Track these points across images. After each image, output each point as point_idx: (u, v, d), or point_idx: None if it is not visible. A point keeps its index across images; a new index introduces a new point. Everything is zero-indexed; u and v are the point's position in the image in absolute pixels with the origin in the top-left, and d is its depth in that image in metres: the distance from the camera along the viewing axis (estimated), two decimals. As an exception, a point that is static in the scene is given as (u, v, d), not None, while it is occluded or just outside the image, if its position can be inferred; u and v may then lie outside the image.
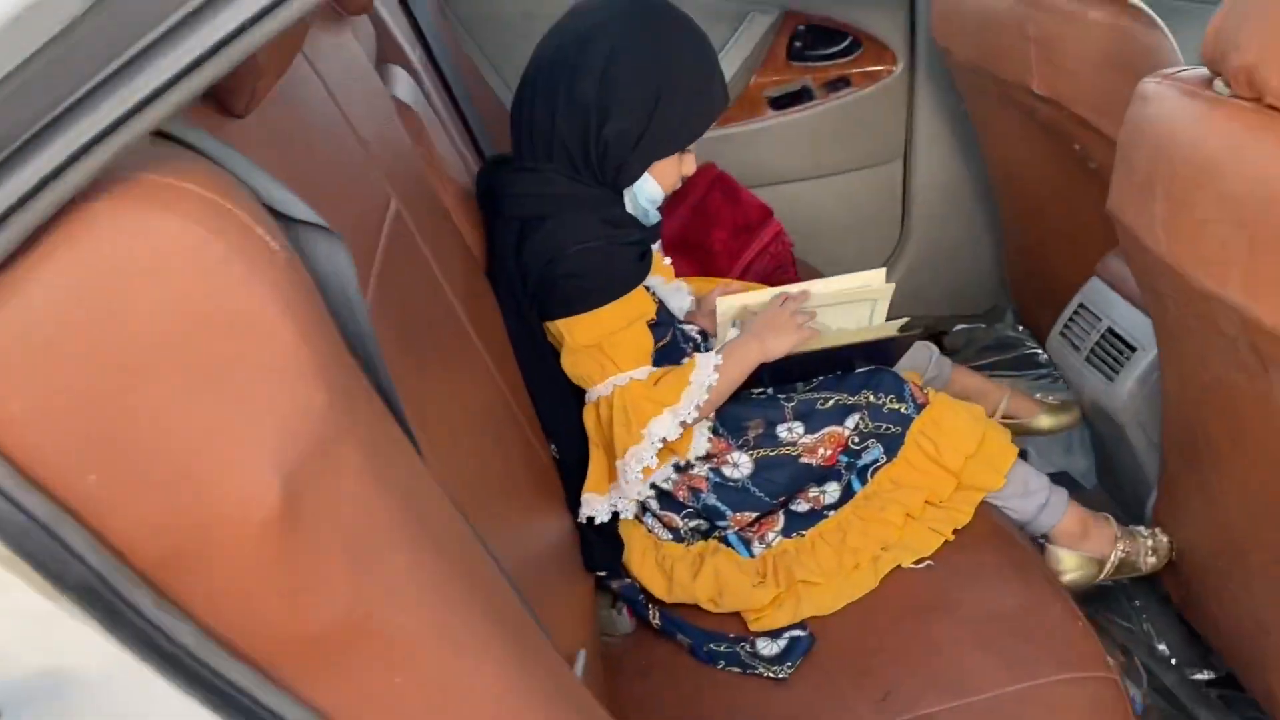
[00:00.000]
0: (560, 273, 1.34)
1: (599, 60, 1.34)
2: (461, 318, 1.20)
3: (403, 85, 1.40)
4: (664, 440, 1.35)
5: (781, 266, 1.92)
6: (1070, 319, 1.77)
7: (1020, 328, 2.50)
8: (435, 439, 0.88)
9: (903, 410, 1.46)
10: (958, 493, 1.45)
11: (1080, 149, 1.73)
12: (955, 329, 2.56)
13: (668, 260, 1.55)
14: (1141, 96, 1.26)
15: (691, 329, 1.58)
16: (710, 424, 1.45)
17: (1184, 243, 1.15)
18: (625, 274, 1.37)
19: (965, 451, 1.44)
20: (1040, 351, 2.37)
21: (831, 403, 1.46)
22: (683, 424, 1.35)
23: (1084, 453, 1.96)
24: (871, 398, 1.47)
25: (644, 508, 1.45)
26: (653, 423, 1.34)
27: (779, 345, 1.44)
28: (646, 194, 1.42)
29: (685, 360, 1.44)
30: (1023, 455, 1.53)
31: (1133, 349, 1.64)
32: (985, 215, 2.42)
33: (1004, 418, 1.85)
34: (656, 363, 1.45)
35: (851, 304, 1.59)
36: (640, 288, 1.39)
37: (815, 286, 1.55)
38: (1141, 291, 1.38)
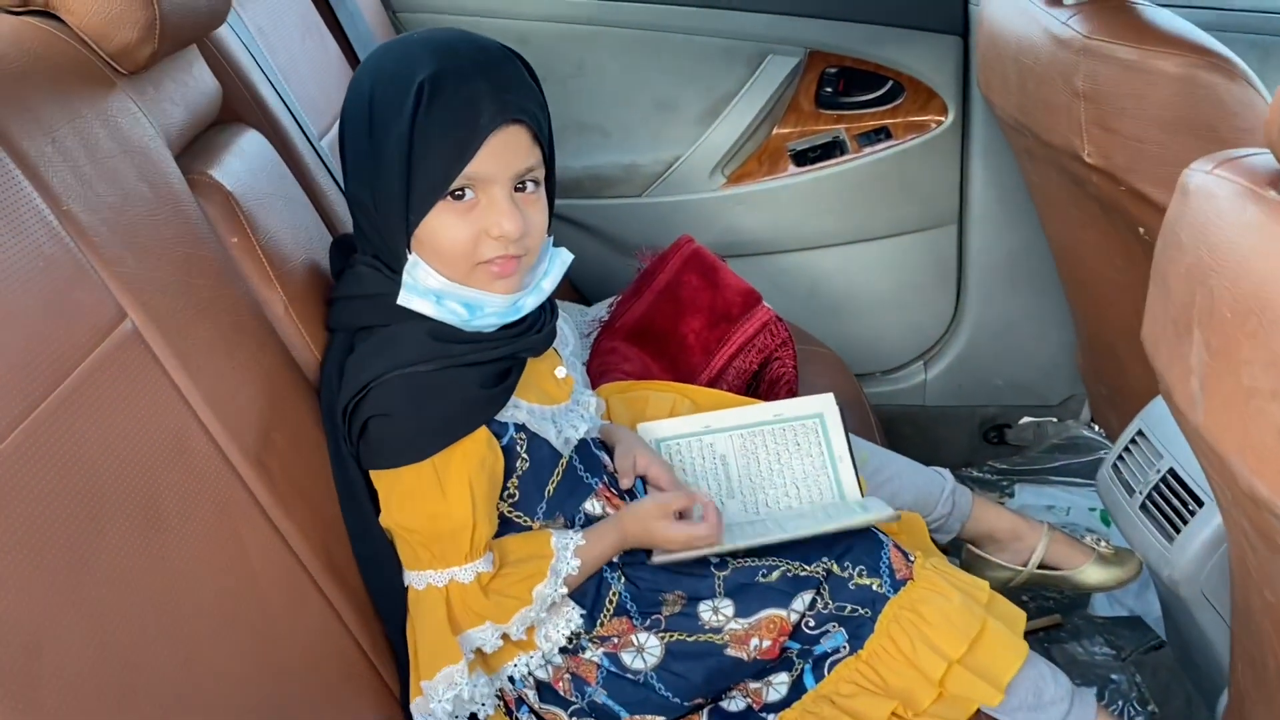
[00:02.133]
0: (366, 410, 1.03)
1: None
2: (232, 469, 0.92)
3: (238, 156, 1.12)
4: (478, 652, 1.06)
5: (772, 363, 1.58)
6: (1125, 450, 1.38)
7: (1096, 427, 2.09)
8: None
9: (875, 588, 1.11)
10: (941, 702, 1.09)
11: (1146, 234, 1.34)
12: (1021, 421, 2.17)
13: (561, 372, 1.20)
14: (1183, 191, 0.89)
15: (608, 460, 1.25)
16: (611, 593, 1.12)
17: (1225, 417, 0.78)
18: (444, 414, 1.04)
19: (952, 652, 1.08)
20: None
21: (777, 573, 1.12)
22: (506, 636, 1.04)
23: (1159, 596, 1.56)
24: (835, 568, 1.12)
25: (519, 700, 1.13)
26: (470, 632, 1.03)
27: (649, 544, 1.12)
28: (421, 284, 1.04)
29: (576, 515, 1.13)
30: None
31: (1200, 503, 1.24)
32: (1057, 289, 2.02)
33: (1042, 567, 1.46)
34: (549, 510, 1.14)
35: (789, 437, 1.27)
36: (475, 438, 1.05)
37: (730, 414, 1.28)
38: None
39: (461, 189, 1.02)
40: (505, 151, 1.02)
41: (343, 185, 1.08)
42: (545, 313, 1.17)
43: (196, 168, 1.05)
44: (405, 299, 1.05)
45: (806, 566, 1.13)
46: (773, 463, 1.28)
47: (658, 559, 1.12)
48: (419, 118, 0.99)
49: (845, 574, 1.12)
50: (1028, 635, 1.14)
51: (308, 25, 1.59)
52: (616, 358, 1.52)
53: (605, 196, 2.01)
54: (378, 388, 1.03)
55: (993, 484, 2.11)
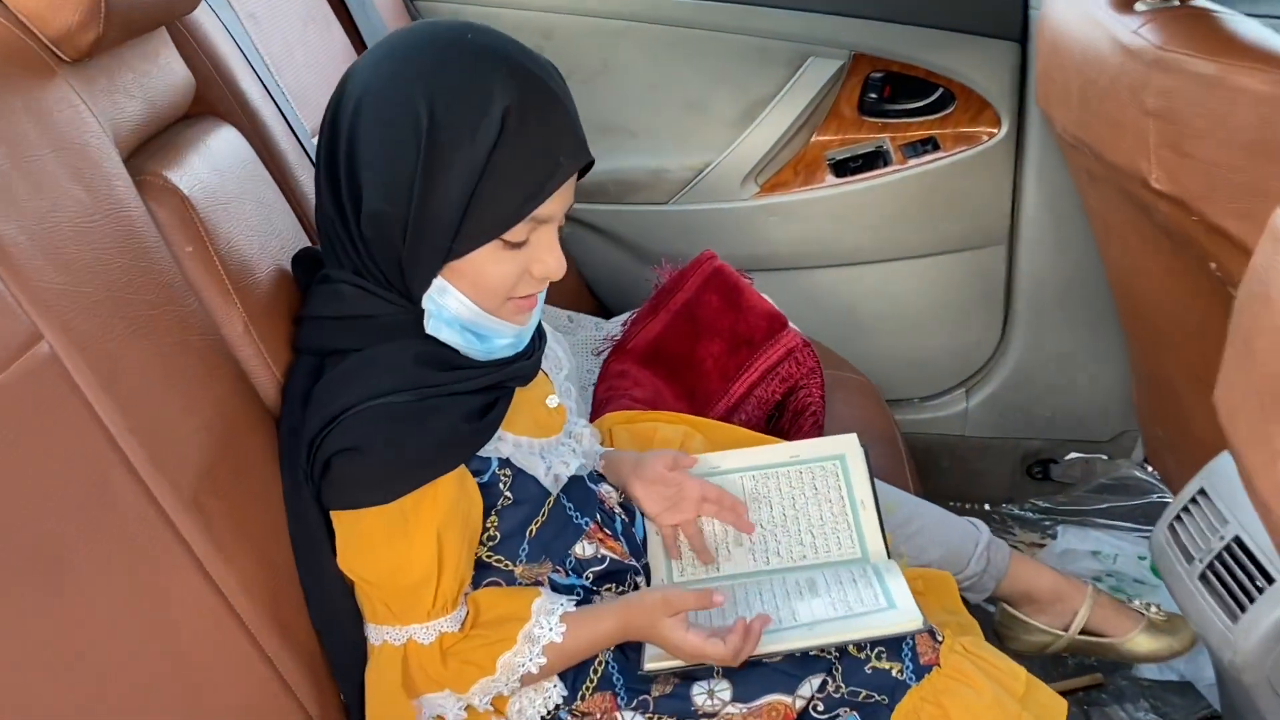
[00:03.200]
0: (333, 443, 0.92)
1: (346, 114, 0.93)
2: (161, 513, 0.81)
3: (204, 155, 1.01)
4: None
5: (797, 392, 1.45)
6: (1185, 510, 1.23)
7: (1150, 468, 1.94)
8: None
9: (895, 673, 0.98)
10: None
11: (1219, 271, 1.20)
12: (1068, 457, 2.03)
13: (554, 401, 1.09)
14: (1273, 236, 0.75)
15: (608, 491, 1.13)
16: (597, 661, 1.00)
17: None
18: (421, 450, 0.92)
19: (980, 753, 0.95)
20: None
21: (783, 653, 1.00)
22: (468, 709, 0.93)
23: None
24: (851, 647, 0.99)
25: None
26: (429, 697, 0.92)
27: (651, 642, 1.00)
28: (449, 312, 0.95)
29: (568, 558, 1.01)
30: None
31: (1270, 579, 1.10)
32: (1113, 317, 1.87)
33: (1084, 633, 1.32)
34: (533, 553, 1.02)
35: (806, 480, 1.16)
36: (448, 478, 0.94)
37: (742, 454, 1.16)
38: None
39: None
40: (567, 191, 0.94)
41: (330, 188, 0.94)
42: (534, 338, 1.05)
43: (150, 168, 0.94)
44: (434, 327, 0.95)
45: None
46: (787, 508, 1.15)
47: (650, 665, 0.99)
48: (500, 149, 0.88)
49: (862, 655, 0.99)
50: (1064, 694, 1.02)
51: (311, 11, 1.48)
52: (627, 382, 1.40)
53: (629, 202, 1.89)
54: (350, 418, 0.92)
55: (1034, 523, 1.97)
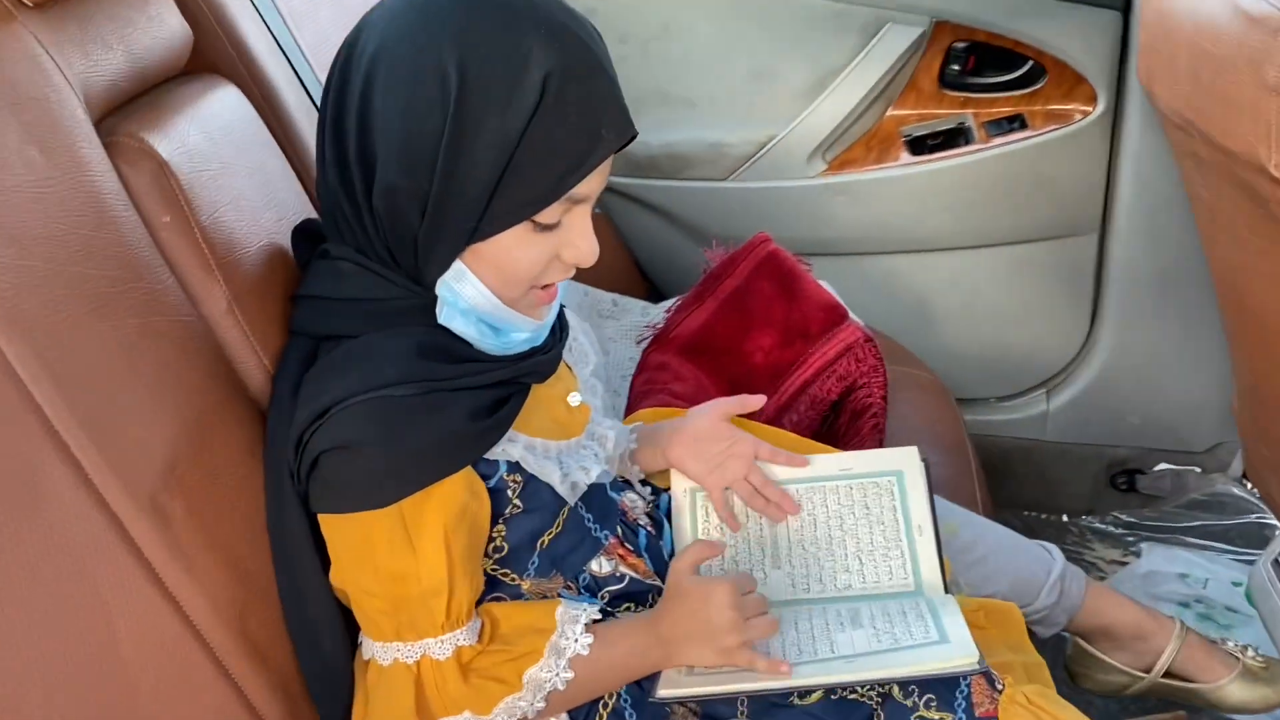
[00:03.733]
0: (323, 439, 0.82)
1: (358, 71, 0.82)
2: (110, 516, 0.73)
3: (193, 117, 0.92)
4: None
5: (856, 391, 1.32)
6: (1292, 546, 1.08)
7: (1249, 485, 1.77)
8: None
9: (946, 726, 0.86)
10: None
11: (1344, 273, 1.04)
12: (1157, 468, 1.86)
13: (576, 399, 0.98)
14: None
15: (633, 501, 1.03)
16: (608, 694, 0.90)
17: None
18: (421, 451, 0.82)
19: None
20: None
21: (817, 695, 0.88)
22: None
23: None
24: (896, 692, 0.88)
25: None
26: None
27: (697, 655, 0.88)
28: (465, 301, 0.85)
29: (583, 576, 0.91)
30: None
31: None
32: (1214, 317, 1.70)
33: (1169, 675, 1.18)
34: (544, 567, 0.92)
35: (857, 498, 1.03)
36: (455, 479, 0.84)
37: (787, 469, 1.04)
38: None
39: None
40: (605, 167, 0.84)
41: (336, 156, 0.84)
42: (555, 330, 0.95)
43: (126, 129, 0.85)
44: (448, 318, 0.85)
45: (857, 689, 0.88)
46: (834, 528, 1.03)
47: (663, 692, 0.88)
48: (536, 120, 0.78)
49: (908, 702, 0.87)
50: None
51: (344, -39, 1.38)
52: (666, 375, 1.28)
53: (685, 178, 1.76)
54: (343, 412, 0.82)
55: (1116, 539, 1.82)
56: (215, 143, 0.92)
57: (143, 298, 0.80)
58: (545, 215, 0.82)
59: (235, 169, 0.93)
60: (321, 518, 0.85)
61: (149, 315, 0.80)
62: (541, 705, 0.86)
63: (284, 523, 0.86)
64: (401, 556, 0.83)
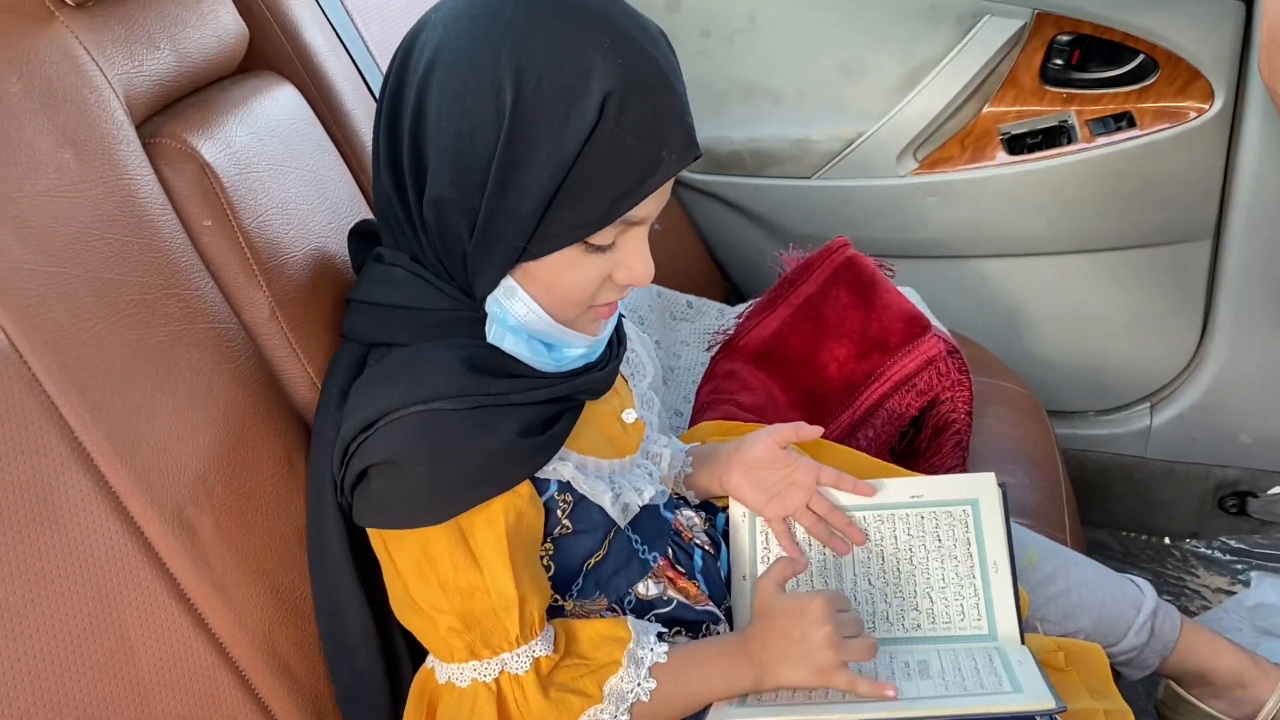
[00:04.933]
0: (371, 452, 0.79)
1: (414, 74, 0.78)
2: (134, 530, 0.71)
3: (244, 119, 0.90)
4: None
5: (938, 406, 1.25)
6: None
7: (1375, 513, 1.64)
8: None
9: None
10: None
11: None
12: (1271, 491, 1.74)
13: (631, 416, 0.94)
14: None
15: (689, 519, 0.98)
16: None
17: None
18: (470, 468, 0.79)
19: None
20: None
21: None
22: None
23: None
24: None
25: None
26: None
27: (792, 675, 0.83)
28: (515, 318, 0.82)
29: (631, 597, 0.88)
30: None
31: None
32: (1341, 334, 1.59)
33: (1270, 727, 1.08)
34: (587, 589, 0.88)
35: (928, 529, 0.97)
36: (517, 491, 0.81)
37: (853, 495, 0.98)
38: None
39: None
40: (666, 189, 0.80)
41: (390, 158, 0.82)
42: (611, 344, 0.90)
43: (169, 130, 0.83)
44: (496, 335, 0.82)
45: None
46: (903, 562, 0.96)
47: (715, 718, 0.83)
48: (595, 140, 0.74)
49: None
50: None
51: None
52: (734, 384, 1.23)
53: (768, 175, 1.70)
54: (390, 425, 0.79)
55: (1223, 565, 1.71)
56: (264, 143, 0.90)
57: (178, 305, 0.78)
58: (599, 237, 0.78)
59: (284, 170, 0.91)
60: (377, 533, 0.83)
61: (184, 323, 0.78)
62: (625, 719, 0.82)
63: (324, 534, 0.84)
64: (465, 571, 0.79)
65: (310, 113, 0.99)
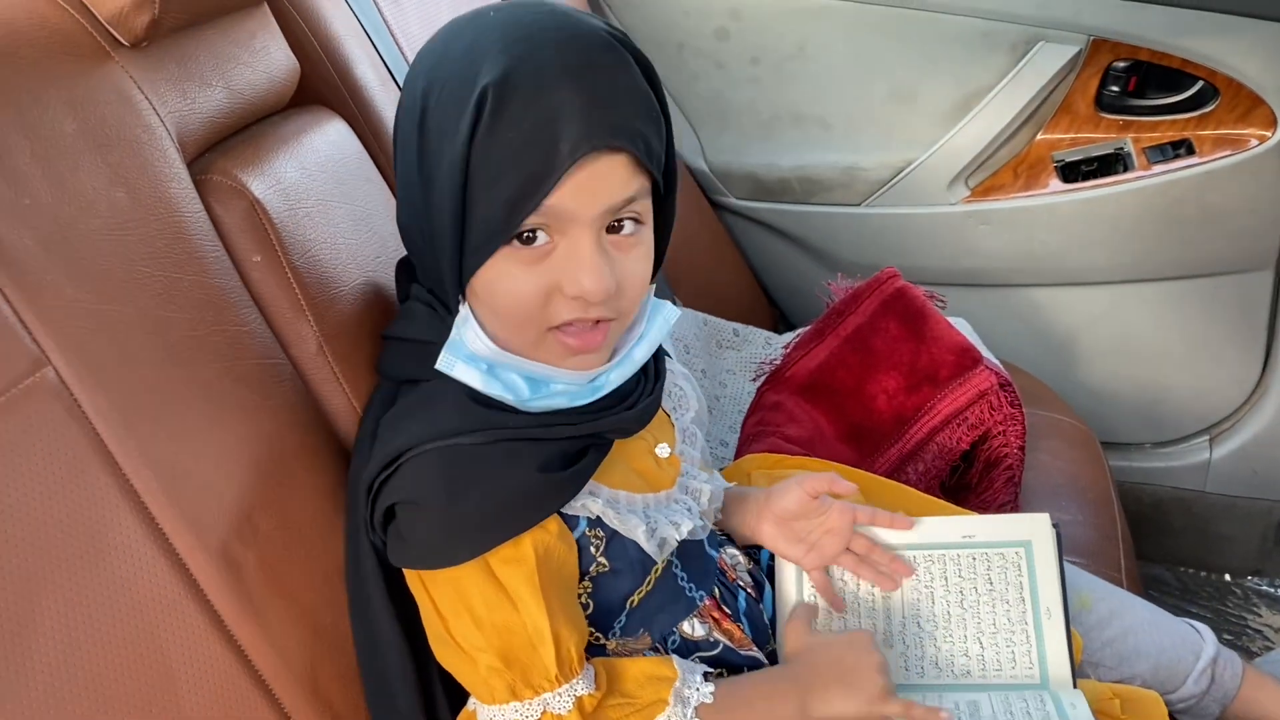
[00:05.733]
0: (394, 490, 0.78)
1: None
2: (178, 565, 0.71)
3: (293, 154, 0.90)
4: None
5: (990, 440, 1.22)
6: None
7: None
8: None
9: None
10: None
11: None
12: (1334, 534, 1.68)
13: (665, 450, 0.92)
14: None
15: (733, 558, 0.97)
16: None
17: None
18: (487, 506, 0.77)
19: None
20: None
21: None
22: None
23: None
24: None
25: None
26: None
27: (844, 704, 0.81)
28: (468, 347, 0.79)
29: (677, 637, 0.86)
30: None
31: None
32: None
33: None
34: (631, 626, 0.87)
35: (979, 571, 0.94)
36: (545, 526, 0.79)
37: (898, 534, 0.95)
38: None
39: (532, 230, 0.75)
40: (593, 183, 0.74)
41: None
42: (645, 380, 0.89)
43: (220, 166, 0.84)
44: (446, 363, 0.80)
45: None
46: (953, 605, 0.94)
47: None
48: (478, 138, 0.72)
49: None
50: None
51: (470, -13, 1.36)
52: (780, 416, 1.22)
53: (817, 202, 1.68)
54: (409, 463, 0.78)
55: (1286, 604, 1.66)
56: (313, 178, 0.91)
57: (225, 340, 0.79)
58: (528, 239, 0.75)
59: (333, 205, 0.91)
60: (413, 572, 0.82)
61: (231, 359, 0.79)
62: None
63: (361, 572, 0.84)
64: (499, 608, 0.78)
65: (359, 147, 1.00)
